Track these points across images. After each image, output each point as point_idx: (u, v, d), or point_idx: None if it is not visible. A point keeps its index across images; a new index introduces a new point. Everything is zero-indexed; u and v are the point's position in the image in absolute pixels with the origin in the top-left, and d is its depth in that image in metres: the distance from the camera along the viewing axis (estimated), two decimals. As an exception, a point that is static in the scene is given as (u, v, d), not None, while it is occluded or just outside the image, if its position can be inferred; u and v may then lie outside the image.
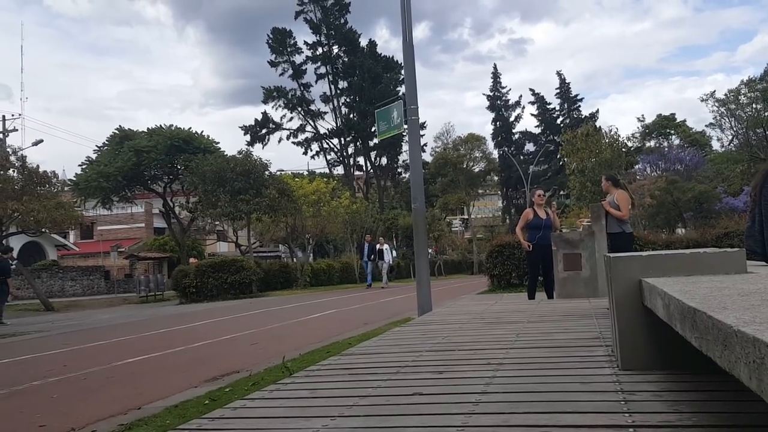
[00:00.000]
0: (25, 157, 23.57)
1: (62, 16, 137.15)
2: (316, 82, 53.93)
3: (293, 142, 54.50)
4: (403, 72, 15.42)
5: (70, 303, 26.44)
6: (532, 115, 65.09)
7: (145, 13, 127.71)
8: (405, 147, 47.02)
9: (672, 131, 51.94)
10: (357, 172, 55.97)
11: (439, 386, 3.34)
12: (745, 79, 41.50)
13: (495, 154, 62.38)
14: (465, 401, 2.89)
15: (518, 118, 65.26)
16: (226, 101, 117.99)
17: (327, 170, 54.18)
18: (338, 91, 54.02)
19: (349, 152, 54.97)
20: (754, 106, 39.38)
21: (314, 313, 13.59)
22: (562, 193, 59.04)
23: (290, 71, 53.24)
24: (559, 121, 63.13)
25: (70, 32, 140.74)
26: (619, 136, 36.18)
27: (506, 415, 2.60)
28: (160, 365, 7.38)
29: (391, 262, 25.56)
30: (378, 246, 25.04)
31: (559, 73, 65.57)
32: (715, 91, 41.02)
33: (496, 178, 63.99)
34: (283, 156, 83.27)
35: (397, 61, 52.02)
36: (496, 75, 65.79)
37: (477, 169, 58.86)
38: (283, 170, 41.10)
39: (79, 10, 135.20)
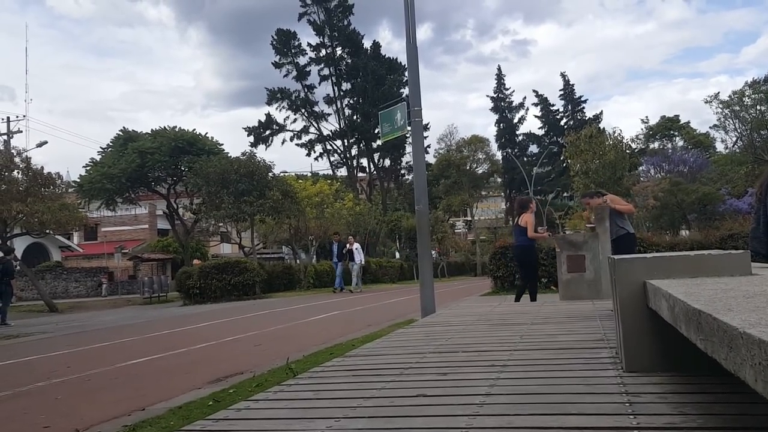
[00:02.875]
0: (30, 158, 23.64)
1: (65, 17, 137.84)
2: (319, 83, 54.13)
3: (297, 144, 54.71)
4: (406, 74, 15.43)
5: (73, 304, 26.49)
6: (536, 116, 65.23)
7: (147, 15, 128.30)
8: (408, 149, 47.09)
9: (676, 133, 51.89)
10: (360, 174, 56.06)
11: (443, 388, 3.34)
12: (749, 80, 41.45)
13: (498, 155, 62.44)
14: (469, 403, 2.89)
15: (522, 119, 65.43)
16: (228, 103, 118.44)
17: (330, 172, 54.28)
18: (342, 93, 54.11)
19: (353, 154, 55.06)
20: (758, 107, 39.31)
21: (317, 314, 13.59)
22: (565, 194, 59.04)
23: (294, 73, 53.39)
24: (562, 123, 63.18)
25: (73, 33, 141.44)
26: (622, 137, 36.22)
27: (510, 417, 2.59)
28: (163, 366, 7.39)
29: (362, 263, 24.15)
30: (348, 245, 23.41)
31: (563, 75, 65.73)
32: (719, 92, 40.96)
33: (499, 179, 64.01)
34: (286, 157, 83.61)
35: (400, 62, 52.11)
36: (500, 76, 65.91)
37: (480, 171, 58.81)
38: (286, 172, 41.16)
39: (81, 11, 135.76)
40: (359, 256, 23.46)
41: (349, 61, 53.57)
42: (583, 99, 64.73)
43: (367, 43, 54.25)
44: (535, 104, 65.10)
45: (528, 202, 10.11)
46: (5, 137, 35.73)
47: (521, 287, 10.29)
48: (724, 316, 1.49)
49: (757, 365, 1.19)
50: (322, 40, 53.48)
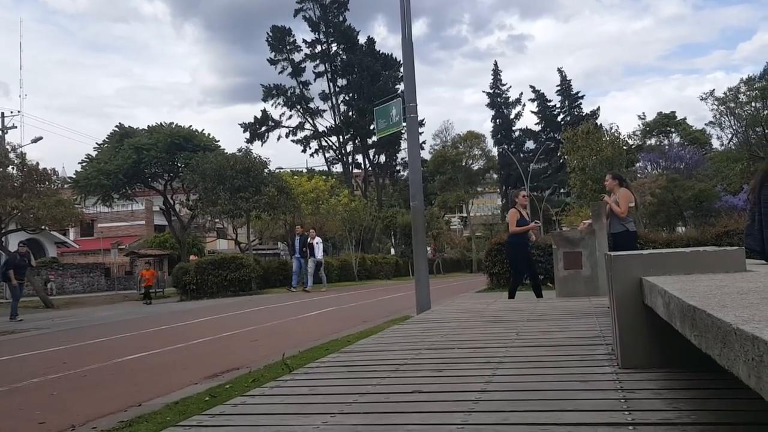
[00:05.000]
0: (25, 154, 23.58)
1: (59, 12, 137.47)
2: (315, 79, 54.02)
3: (292, 140, 54.63)
4: (401, 69, 15.41)
5: (70, 300, 26.46)
6: (533, 112, 65.17)
7: (142, 10, 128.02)
8: (404, 145, 47.02)
9: (672, 129, 51.93)
10: (355, 170, 56.02)
11: (439, 384, 3.35)
12: (745, 77, 41.50)
13: (494, 151, 62.45)
14: (465, 399, 2.90)
15: (518, 115, 65.36)
16: (224, 99, 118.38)
17: (326, 168, 54.27)
18: (337, 89, 54.02)
19: (348, 150, 55.00)
20: (753, 104, 39.32)
21: (313, 310, 13.59)
22: (562, 191, 59.06)
23: (289, 69, 53.28)
24: (559, 119, 63.11)
25: (68, 28, 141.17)
26: (619, 133, 36.26)
27: (506, 414, 2.60)
28: (160, 362, 7.39)
29: (320, 258, 22.03)
30: (309, 239, 21.59)
31: (560, 70, 65.44)
32: (714, 89, 40.89)
33: (495, 175, 64.02)
34: (282, 154, 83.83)
35: (395, 58, 52.02)
36: (496, 72, 65.86)
37: (476, 167, 58.88)
38: (282, 168, 41.17)
39: (76, 7, 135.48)
40: (319, 252, 21.58)
41: (344, 57, 53.44)
42: (580, 95, 64.71)
43: (362, 39, 54.15)
44: (532, 100, 65.10)
45: (515, 195, 10.03)
46: (0, 133, 35.60)
47: (512, 284, 10.12)
48: (718, 312, 1.50)
49: (750, 361, 1.20)
50: (317, 36, 53.40)
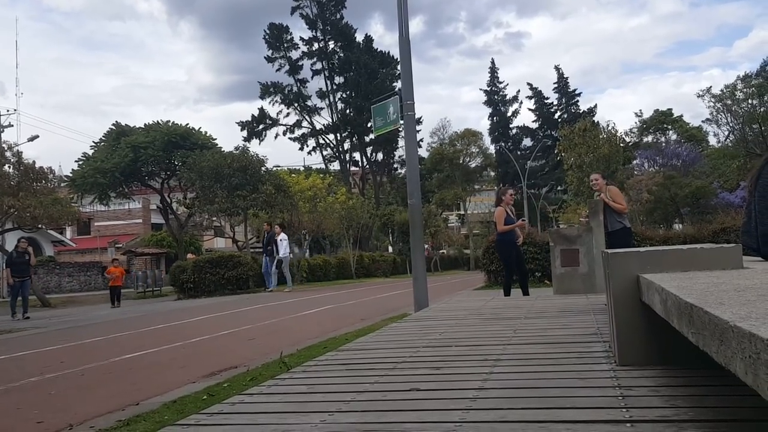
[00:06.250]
0: (21, 152, 23.54)
1: (54, 10, 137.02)
2: (312, 77, 54.07)
3: (290, 138, 54.68)
4: (398, 67, 15.39)
5: (67, 299, 26.42)
6: (530, 110, 65.29)
7: (138, 8, 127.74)
8: (401, 143, 47.07)
9: (669, 126, 51.97)
10: (353, 168, 56.04)
11: (437, 382, 3.35)
12: (741, 74, 41.47)
13: (492, 149, 62.49)
14: (462, 397, 2.90)
15: (515, 113, 65.44)
16: (220, 97, 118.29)
17: (323, 166, 54.32)
18: (334, 87, 54.04)
19: (345, 148, 55.02)
20: (750, 101, 39.30)
21: (310, 308, 13.59)
22: (559, 188, 59.10)
23: (287, 67, 53.27)
24: (556, 116, 63.16)
25: (64, 26, 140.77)
26: (616, 131, 36.28)
27: (504, 411, 2.60)
28: (157, 361, 7.38)
29: (286, 256, 21.05)
30: (275, 236, 20.78)
31: (557, 68, 65.65)
32: (711, 86, 40.71)
33: (492, 173, 64.02)
34: (279, 152, 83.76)
35: (392, 56, 52.05)
36: (493, 69, 65.87)
37: (473, 165, 58.90)
38: (279, 166, 41.16)
39: (71, 4, 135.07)
40: (283, 249, 20.60)
41: (342, 55, 53.44)
42: (577, 92, 64.83)
43: (359, 37, 54.19)
44: (529, 97, 65.19)
45: (502, 194, 10.08)
46: (-4, 131, 35.46)
47: (505, 281, 10.23)
48: (715, 309, 1.50)
49: (747, 358, 1.20)
50: (314, 33, 53.39)
